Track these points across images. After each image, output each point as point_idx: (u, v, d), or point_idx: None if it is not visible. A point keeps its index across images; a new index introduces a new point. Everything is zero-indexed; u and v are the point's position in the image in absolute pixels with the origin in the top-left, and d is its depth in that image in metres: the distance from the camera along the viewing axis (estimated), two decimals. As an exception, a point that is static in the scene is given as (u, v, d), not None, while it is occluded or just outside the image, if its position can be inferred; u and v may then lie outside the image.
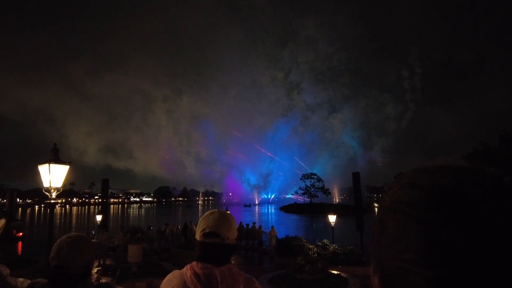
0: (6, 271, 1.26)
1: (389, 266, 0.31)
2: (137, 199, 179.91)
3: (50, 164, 4.98)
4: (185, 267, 1.16)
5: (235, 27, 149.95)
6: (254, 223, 18.26)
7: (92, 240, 1.51)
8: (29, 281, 1.34)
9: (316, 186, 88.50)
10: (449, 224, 0.28)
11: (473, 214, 0.27)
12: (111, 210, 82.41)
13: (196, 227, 1.28)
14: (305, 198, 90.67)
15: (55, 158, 5.10)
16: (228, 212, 1.34)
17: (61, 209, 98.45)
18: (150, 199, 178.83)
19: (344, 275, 9.72)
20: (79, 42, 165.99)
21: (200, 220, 1.24)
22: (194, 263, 1.16)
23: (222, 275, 1.12)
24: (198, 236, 1.21)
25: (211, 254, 1.16)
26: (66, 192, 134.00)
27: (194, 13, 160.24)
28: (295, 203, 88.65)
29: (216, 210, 1.26)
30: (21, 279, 1.31)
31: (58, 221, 48.79)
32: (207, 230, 1.17)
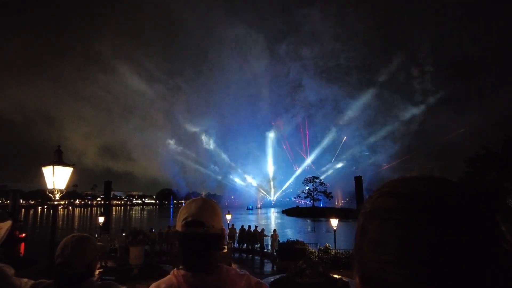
0: (11, 271, 1.29)
1: (370, 268, 0.34)
2: (139, 201, 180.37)
3: (54, 166, 5.04)
4: (171, 277, 1.00)
5: (234, 20, 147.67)
6: (256, 226, 18.26)
7: (98, 243, 1.54)
8: (32, 282, 1.37)
9: (318, 190, 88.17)
10: (428, 226, 0.30)
11: (449, 216, 0.31)
12: (113, 212, 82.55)
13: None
14: (307, 202, 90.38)
15: (59, 160, 5.16)
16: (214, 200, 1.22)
17: (64, 211, 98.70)
18: (152, 201, 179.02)
19: (346, 279, 9.67)
20: (74, 40, 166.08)
21: (181, 209, 1.08)
22: (186, 273, 1.00)
23: (218, 284, 0.99)
24: (178, 227, 1.04)
25: (195, 249, 1.01)
26: (69, 193, 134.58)
27: (192, 7, 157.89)
28: (297, 206, 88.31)
29: (199, 197, 1.12)
30: (25, 280, 1.34)
31: (60, 222, 48.97)
32: (189, 219, 1.02)
